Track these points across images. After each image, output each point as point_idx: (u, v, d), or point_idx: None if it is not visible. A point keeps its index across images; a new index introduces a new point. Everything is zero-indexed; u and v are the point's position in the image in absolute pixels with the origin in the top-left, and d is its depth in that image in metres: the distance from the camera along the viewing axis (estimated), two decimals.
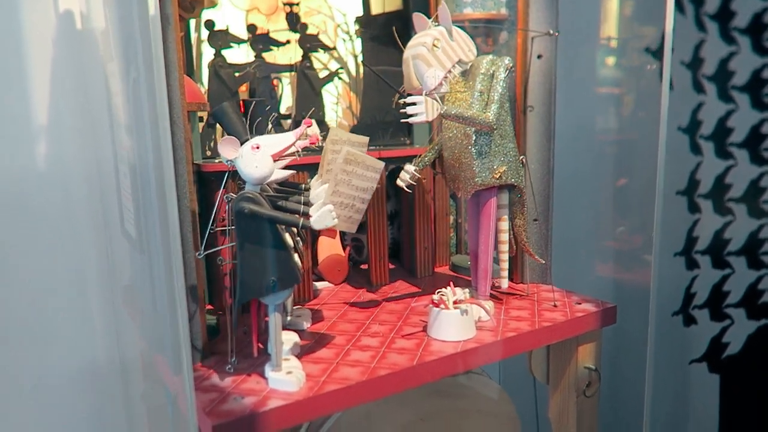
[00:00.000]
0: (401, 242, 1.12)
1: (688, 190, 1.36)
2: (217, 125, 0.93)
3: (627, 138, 1.38)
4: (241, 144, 0.62)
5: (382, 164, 0.67)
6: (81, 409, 1.05)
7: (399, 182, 0.88)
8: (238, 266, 0.63)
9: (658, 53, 1.34)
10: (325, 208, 0.61)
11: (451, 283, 0.79)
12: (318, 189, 0.67)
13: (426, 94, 0.75)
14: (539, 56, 0.91)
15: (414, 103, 0.73)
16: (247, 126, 0.63)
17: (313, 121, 0.65)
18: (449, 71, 0.77)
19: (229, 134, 0.62)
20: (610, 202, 1.40)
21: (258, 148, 0.61)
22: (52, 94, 1.02)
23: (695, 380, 1.43)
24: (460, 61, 0.78)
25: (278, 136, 0.63)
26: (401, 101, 0.76)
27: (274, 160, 0.62)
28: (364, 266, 1.14)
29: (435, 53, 0.75)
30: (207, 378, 0.68)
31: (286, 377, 0.64)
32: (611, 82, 1.39)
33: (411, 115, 0.74)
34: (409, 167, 0.87)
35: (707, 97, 1.36)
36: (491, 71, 0.79)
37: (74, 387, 1.05)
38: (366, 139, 0.75)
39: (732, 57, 1.36)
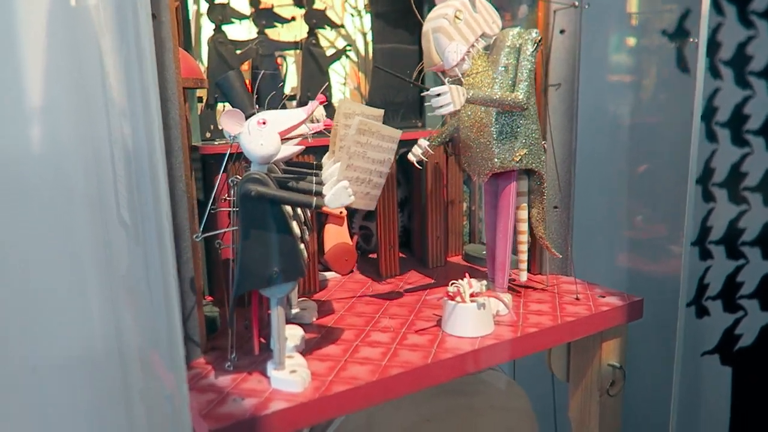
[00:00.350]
0: (412, 231, 1.06)
1: (702, 179, 1.32)
2: (218, 106, 0.87)
3: (648, 122, 1.32)
4: (246, 118, 0.57)
5: (399, 132, 0.61)
6: (79, 399, 1.01)
7: (410, 156, 0.83)
8: (238, 253, 0.57)
9: (677, 35, 1.29)
10: (340, 184, 0.55)
11: (467, 275, 0.74)
12: (331, 167, 0.61)
13: (447, 72, 0.69)
14: (562, 31, 0.85)
15: (438, 94, 0.67)
16: (255, 100, 0.58)
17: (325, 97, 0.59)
18: (472, 45, 0.70)
19: (233, 107, 0.57)
20: (630, 189, 1.35)
21: (264, 123, 0.56)
22: (46, 73, 0.97)
23: (707, 372, 1.39)
24: (483, 35, 0.72)
25: (287, 111, 0.57)
26: (423, 94, 0.70)
27: (282, 139, 0.57)
28: (372, 255, 1.08)
29: (457, 26, 0.69)
30: (205, 376, 0.63)
31: (289, 377, 0.59)
32: (633, 62, 1.32)
33: (437, 107, 0.68)
34: (423, 142, 0.82)
35: (724, 83, 1.31)
36: (518, 45, 0.73)
37: (71, 377, 1.00)
38: (381, 111, 0.68)
39: (750, 41, 1.30)
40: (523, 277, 0.84)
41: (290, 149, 0.59)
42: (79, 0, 1.03)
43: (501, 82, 0.73)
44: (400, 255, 0.97)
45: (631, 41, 1.33)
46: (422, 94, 0.72)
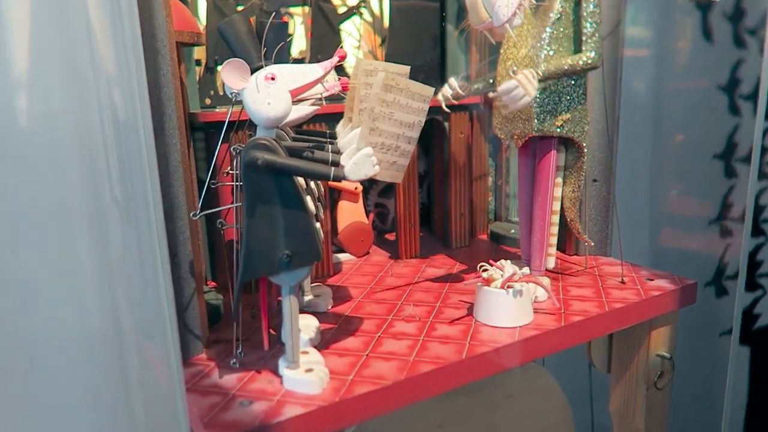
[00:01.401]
0: (432, 208, 0.97)
1: (725, 154, 1.24)
2: (220, 69, 0.78)
3: (690, 92, 1.24)
4: (252, 72, 0.48)
5: (431, 90, 0.52)
6: (77, 385, 0.94)
7: (439, 96, 0.73)
8: (243, 234, 0.49)
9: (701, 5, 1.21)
10: (363, 152, 0.46)
11: (504, 262, 0.65)
12: (349, 135, 0.52)
13: (495, 30, 0.59)
14: None
15: (508, 92, 0.59)
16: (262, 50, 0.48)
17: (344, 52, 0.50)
18: None
19: (236, 57, 0.48)
20: (657, 164, 1.27)
21: (273, 79, 0.47)
22: (33, 39, 0.88)
23: (725, 353, 1.34)
24: None
25: (301, 66, 0.48)
26: (491, 95, 0.62)
27: (293, 99, 0.48)
28: (389, 235, 1.00)
29: None
30: (207, 375, 0.55)
31: (305, 376, 0.51)
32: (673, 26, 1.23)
33: (514, 105, 0.61)
34: (454, 82, 0.73)
35: (748, 53, 1.22)
36: None
37: (68, 363, 0.94)
38: (406, 68, 0.59)
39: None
40: (550, 263, 0.74)
41: (303, 109, 0.50)
42: None
43: (552, 32, 0.63)
44: (420, 233, 0.89)
45: (659, 8, 1.24)
46: (491, 96, 0.64)
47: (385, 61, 0.89)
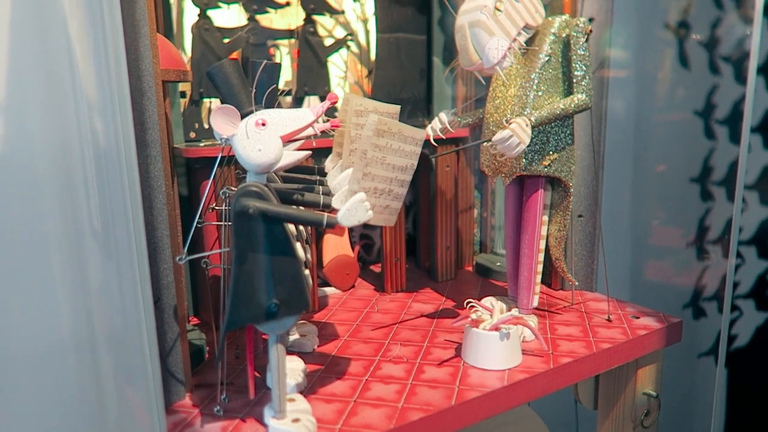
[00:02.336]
0: (418, 239, 0.97)
1: (701, 177, 1.27)
2: (205, 102, 0.77)
3: (668, 121, 1.26)
4: (242, 117, 0.47)
5: (423, 133, 0.51)
6: (52, 429, 0.90)
7: (428, 130, 0.73)
8: (231, 281, 0.48)
9: (680, 29, 1.24)
10: (356, 197, 0.45)
11: (492, 301, 0.64)
12: (340, 175, 0.51)
13: (486, 71, 0.60)
14: (591, 19, 0.76)
15: (503, 141, 0.60)
16: (252, 95, 0.48)
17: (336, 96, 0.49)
18: (514, 40, 0.61)
19: (227, 102, 0.47)
20: (637, 194, 1.29)
21: (264, 124, 0.46)
22: (11, 62, 0.86)
23: (704, 373, 1.35)
24: (526, 26, 0.62)
25: (292, 112, 0.47)
26: (486, 144, 0.64)
27: (284, 143, 0.47)
28: (374, 267, 0.99)
29: (498, 19, 0.59)
30: (191, 423, 0.53)
31: (292, 427, 0.49)
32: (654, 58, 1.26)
33: (510, 152, 0.61)
34: (444, 116, 0.73)
35: (723, 79, 1.25)
36: (564, 35, 0.64)
37: (40, 407, 0.90)
38: (397, 108, 0.58)
39: (745, 39, 1.25)
40: (534, 302, 0.74)
41: (293, 156, 0.49)
42: None
43: (541, 73, 0.64)
44: (405, 266, 0.88)
45: (637, 36, 1.26)
46: (486, 145, 0.65)
47: (372, 93, 0.90)
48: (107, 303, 0.78)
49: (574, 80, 0.64)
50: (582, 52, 0.63)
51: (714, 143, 1.29)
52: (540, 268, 0.73)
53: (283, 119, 0.47)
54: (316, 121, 0.49)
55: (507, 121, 0.61)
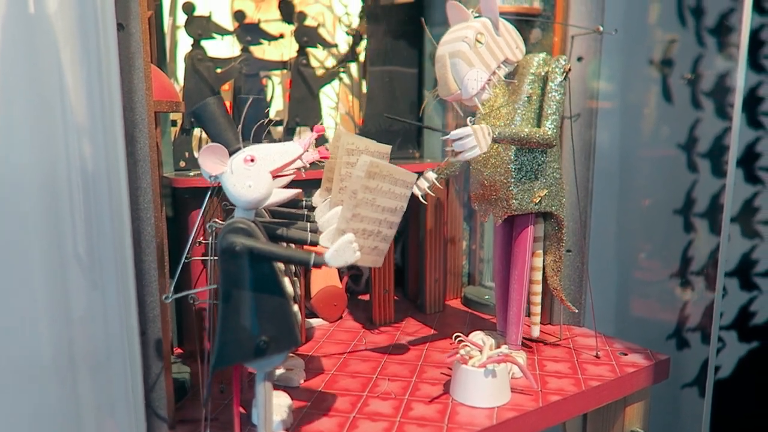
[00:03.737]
0: (406, 270, 0.97)
1: (684, 209, 1.29)
2: (195, 131, 0.77)
3: (653, 154, 1.28)
4: (230, 154, 0.47)
5: (414, 176, 0.52)
6: None
7: (415, 190, 0.74)
8: (219, 318, 0.47)
9: (665, 65, 1.27)
10: (345, 238, 0.45)
11: (482, 337, 0.64)
12: (329, 213, 0.51)
13: (464, 102, 0.60)
14: (579, 58, 0.77)
15: (461, 138, 0.59)
16: (240, 131, 0.47)
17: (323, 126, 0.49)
18: (494, 73, 0.62)
19: (213, 140, 0.47)
20: (623, 228, 1.30)
21: (253, 161, 0.46)
22: (1, 86, 0.86)
23: (687, 405, 1.36)
24: (506, 61, 0.63)
25: (279, 146, 0.47)
26: (443, 138, 0.62)
27: (273, 178, 0.47)
28: (362, 297, 0.98)
29: (478, 50, 0.60)
30: None
31: None
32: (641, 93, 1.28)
33: (461, 152, 0.60)
34: (430, 174, 0.74)
35: (705, 113, 1.28)
36: (543, 73, 0.65)
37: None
38: (388, 148, 0.59)
39: (728, 73, 1.28)
40: (536, 332, 0.75)
41: (284, 193, 0.49)
42: (39, 7, 0.92)
43: (523, 113, 0.65)
44: (394, 297, 0.88)
45: (622, 71, 1.29)
46: (442, 138, 0.64)
47: (363, 124, 0.90)
48: (90, 332, 0.77)
49: (543, 114, 0.64)
50: (555, 87, 0.64)
51: (696, 176, 1.32)
52: (538, 299, 0.74)
53: (272, 154, 0.47)
54: (304, 152, 0.49)
55: (471, 122, 0.61)
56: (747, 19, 0.78)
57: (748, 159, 1.33)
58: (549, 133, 0.63)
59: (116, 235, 0.52)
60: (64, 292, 0.96)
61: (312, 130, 0.49)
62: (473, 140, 0.58)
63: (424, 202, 0.75)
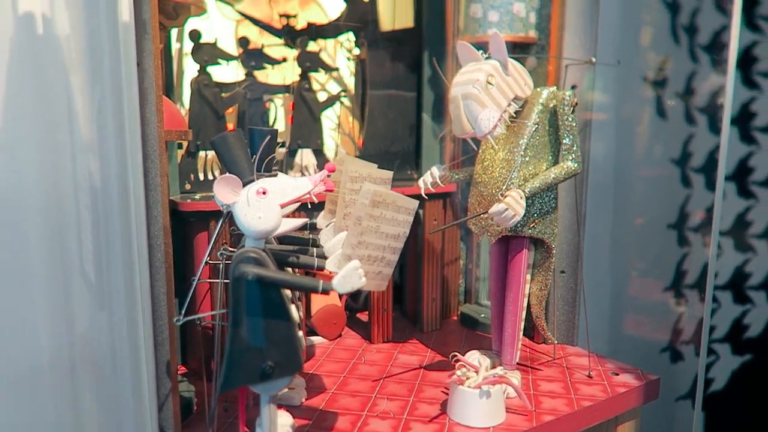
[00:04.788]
0: (405, 288, 0.99)
1: (677, 224, 1.31)
2: (200, 154, 0.79)
3: (648, 171, 1.31)
4: (244, 185, 0.49)
5: (416, 203, 0.54)
6: None
7: (420, 183, 0.76)
8: (228, 342, 0.49)
9: (659, 84, 1.30)
10: (351, 265, 0.47)
11: (478, 357, 0.66)
12: (334, 238, 0.53)
13: (479, 138, 0.63)
14: (573, 87, 0.80)
15: (500, 214, 0.63)
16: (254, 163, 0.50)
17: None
18: (505, 110, 0.64)
19: (230, 172, 0.49)
20: (616, 247, 1.32)
21: (265, 193, 0.48)
22: (8, 105, 0.88)
23: (681, 417, 1.37)
24: (516, 98, 0.66)
25: (291, 181, 0.49)
26: (484, 217, 0.68)
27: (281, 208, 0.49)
28: (361, 315, 1.00)
29: (489, 91, 0.63)
30: None
31: None
32: (635, 114, 1.31)
33: (505, 223, 0.65)
34: (436, 171, 0.76)
35: (698, 129, 1.31)
36: (551, 105, 0.67)
37: None
38: (389, 174, 0.61)
39: (721, 90, 1.31)
40: (516, 357, 0.76)
41: (291, 223, 0.51)
42: (48, 28, 0.94)
43: (530, 141, 0.67)
44: (392, 315, 0.90)
45: (615, 91, 1.31)
46: (484, 216, 0.70)
47: (363, 145, 0.92)
48: (94, 348, 0.79)
49: (563, 149, 0.67)
50: (569, 122, 0.67)
51: (690, 191, 1.34)
52: (522, 325, 0.76)
53: (283, 188, 0.49)
54: (314, 189, 0.51)
55: (502, 195, 0.64)
56: (735, 35, 0.80)
57: (741, 174, 1.36)
58: (573, 166, 0.67)
59: (128, 261, 0.54)
60: (67, 307, 0.98)
61: (324, 168, 0.52)
62: (511, 211, 0.62)
63: (425, 197, 0.77)
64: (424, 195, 0.77)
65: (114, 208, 0.60)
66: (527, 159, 0.68)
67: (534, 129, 0.67)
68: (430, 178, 0.76)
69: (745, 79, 1.33)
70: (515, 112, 0.67)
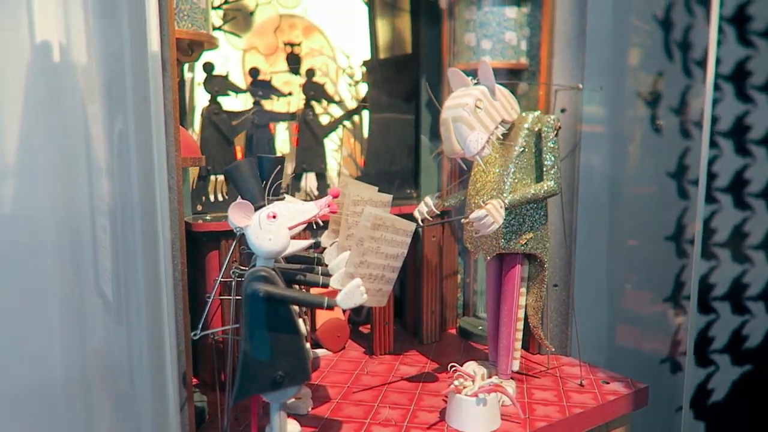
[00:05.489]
0: (405, 302, 1.03)
1: (675, 236, 1.35)
2: (211, 178, 0.84)
3: (640, 192, 1.34)
4: (255, 210, 0.54)
5: (413, 226, 0.59)
6: None
7: (415, 213, 0.81)
8: (241, 355, 0.53)
9: (654, 103, 1.33)
10: (353, 283, 0.52)
11: (474, 367, 0.70)
12: (338, 257, 0.58)
13: (468, 158, 0.68)
14: (563, 110, 0.84)
15: (479, 219, 0.67)
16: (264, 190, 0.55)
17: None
18: (492, 133, 0.69)
19: (242, 197, 0.54)
20: (613, 260, 1.36)
21: (275, 217, 0.53)
22: (23, 129, 0.92)
23: (681, 428, 1.40)
24: (503, 121, 0.71)
25: (298, 205, 0.54)
26: (463, 221, 0.72)
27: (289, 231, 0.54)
28: (364, 328, 1.04)
29: (477, 115, 0.68)
30: None
31: None
32: (626, 133, 1.35)
33: (484, 230, 0.68)
34: (429, 201, 0.80)
35: (693, 143, 1.35)
36: (536, 129, 0.72)
37: None
38: (389, 197, 0.66)
39: (716, 103, 1.35)
40: (515, 366, 0.80)
41: (299, 244, 0.56)
42: (64, 56, 0.99)
43: (517, 163, 0.72)
44: (393, 328, 0.94)
45: (610, 108, 1.35)
46: (463, 221, 0.75)
47: (364, 165, 0.97)
48: (111, 364, 0.83)
49: (545, 169, 0.72)
50: (552, 145, 0.72)
51: (687, 203, 1.38)
52: (520, 335, 0.80)
53: (291, 212, 0.54)
54: (320, 212, 0.56)
55: (484, 202, 0.69)
56: (713, 49, 0.84)
57: (737, 186, 1.39)
58: (553, 185, 0.71)
59: (151, 279, 0.59)
60: (81, 323, 1.03)
61: (328, 194, 0.57)
62: (490, 218, 0.66)
63: (421, 225, 0.82)
64: (421, 223, 0.81)
65: (135, 229, 0.64)
66: (515, 180, 0.72)
67: (521, 152, 0.72)
68: (425, 207, 0.81)
69: (739, 93, 1.37)
70: (503, 135, 0.72)
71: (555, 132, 0.72)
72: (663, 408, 1.39)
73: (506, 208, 0.69)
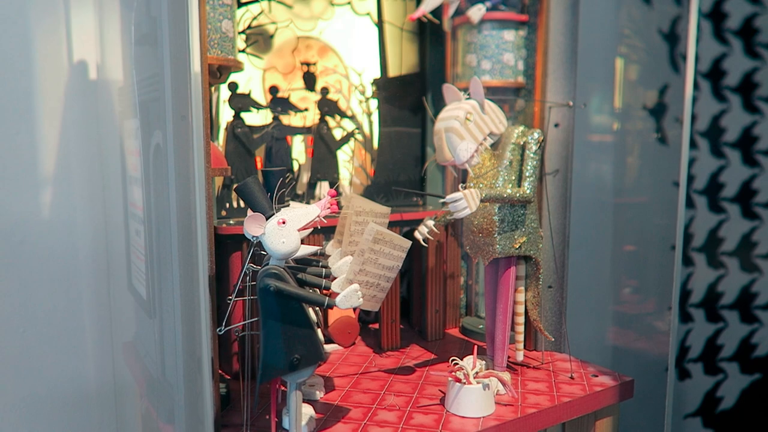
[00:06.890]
0: (411, 302, 1.11)
1: (682, 244, 1.40)
2: (234, 185, 0.92)
3: (634, 201, 1.40)
4: (267, 219, 0.62)
5: (408, 243, 0.67)
6: None
7: (417, 234, 0.89)
8: (262, 343, 0.61)
9: (657, 109, 1.38)
10: (351, 288, 0.60)
11: (474, 354, 0.78)
12: (340, 262, 0.66)
13: (458, 166, 0.76)
14: (556, 125, 0.92)
15: (454, 201, 0.74)
16: (274, 198, 0.63)
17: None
18: (481, 143, 0.77)
19: (253, 210, 0.62)
20: (614, 265, 1.41)
21: (284, 223, 0.61)
22: (62, 142, 1.01)
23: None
24: (491, 134, 0.79)
25: (303, 209, 0.62)
26: (440, 201, 0.78)
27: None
28: (372, 326, 1.12)
29: (467, 126, 0.76)
30: None
31: None
32: (620, 146, 1.41)
33: (456, 212, 0.75)
34: (429, 222, 0.88)
35: (700, 153, 1.39)
36: (522, 142, 0.80)
37: None
38: (388, 209, 0.75)
39: (723, 114, 1.40)
40: (520, 356, 0.88)
41: (308, 249, 0.64)
42: (101, 74, 1.09)
43: (505, 175, 0.79)
44: (400, 326, 1.01)
45: (617, 114, 1.40)
46: (440, 201, 0.80)
47: (374, 175, 1.05)
48: (143, 355, 0.92)
49: (522, 176, 0.79)
50: (532, 156, 0.79)
51: (694, 212, 1.43)
52: (522, 329, 0.87)
53: (298, 216, 0.62)
54: (323, 212, 0.64)
55: (463, 187, 0.76)
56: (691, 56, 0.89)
57: (745, 196, 1.44)
58: (527, 192, 0.78)
59: (186, 278, 0.66)
60: (113, 320, 1.13)
61: (327, 194, 0.64)
62: (464, 203, 0.73)
63: (425, 245, 0.90)
64: (423, 243, 0.89)
65: (171, 233, 0.72)
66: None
67: (508, 164, 0.80)
68: (425, 228, 0.88)
69: (746, 105, 1.42)
70: (491, 146, 0.80)
71: (538, 145, 0.80)
72: (672, 415, 1.42)
73: (481, 200, 0.76)
